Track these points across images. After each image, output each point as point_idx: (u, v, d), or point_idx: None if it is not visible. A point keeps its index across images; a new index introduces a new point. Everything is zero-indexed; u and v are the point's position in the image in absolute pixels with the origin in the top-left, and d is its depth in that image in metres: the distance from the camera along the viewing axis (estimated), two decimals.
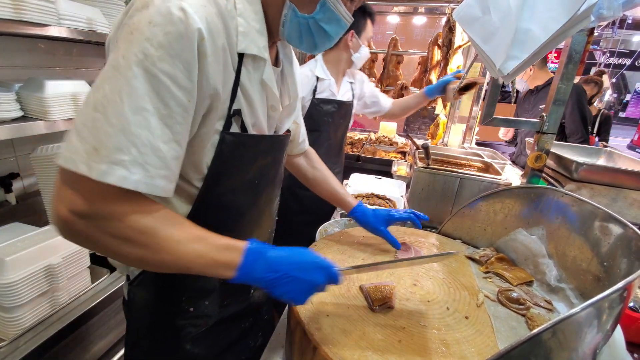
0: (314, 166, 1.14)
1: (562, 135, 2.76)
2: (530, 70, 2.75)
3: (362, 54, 1.86)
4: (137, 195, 0.55)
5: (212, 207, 0.73)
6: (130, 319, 0.84)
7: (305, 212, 1.98)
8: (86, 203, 0.53)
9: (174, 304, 0.78)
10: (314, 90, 1.82)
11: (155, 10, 0.53)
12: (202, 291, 0.80)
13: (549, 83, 2.77)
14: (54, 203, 0.54)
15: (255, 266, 0.62)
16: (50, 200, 0.54)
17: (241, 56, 0.66)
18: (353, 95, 2.00)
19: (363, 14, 1.78)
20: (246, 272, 0.61)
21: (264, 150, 0.77)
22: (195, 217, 0.71)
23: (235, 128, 0.69)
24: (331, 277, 0.66)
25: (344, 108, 1.92)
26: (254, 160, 0.75)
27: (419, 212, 1.09)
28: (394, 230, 1.19)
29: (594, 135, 3.73)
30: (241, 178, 0.75)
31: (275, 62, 0.82)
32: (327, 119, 1.87)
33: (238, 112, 0.68)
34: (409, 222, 1.10)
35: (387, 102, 2.13)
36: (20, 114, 1.31)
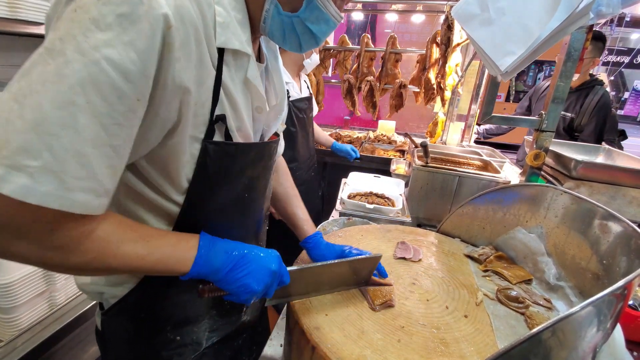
0: (279, 181, 1.00)
1: (570, 137, 2.63)
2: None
3: (312, 60, 1.96)
4: (47, 213, 0.43)
5: (195, 226, 0.63)
6: (105, 353, 0.75)
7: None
8: (2, 214, 0.41)
9: (158, 334, 0.70)
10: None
11: None
12: (189, 317, 0.72)
13: (580, 88, 2.61)
14: None
15: (213, 254, 0.58)
16: None
17: (221, 52, 0.56)
18: (309, 88, 2.12)
19: None
20: (204, 261, 0.57)
21: (254, 160, 0.68)
22: None
23: (218, 136, 0.60)
24: (281, 269, 0.65)
25: (310, 102, 2.05)
26: (242, 172, 0.66)
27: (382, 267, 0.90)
28: (393, 228, 1.19)
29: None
30: (228, 192, 0.66)
31: (258, 58, 0.73)
32: (302, 116, 1.96)
33: (222, 118, 0.58)
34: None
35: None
36: None
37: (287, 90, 1.79)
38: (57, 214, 0.44)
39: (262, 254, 0.64)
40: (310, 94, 2.11)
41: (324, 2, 0.59)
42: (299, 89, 1.97)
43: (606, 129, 3.36)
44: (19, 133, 0.40)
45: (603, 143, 2.47)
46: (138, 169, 0.58)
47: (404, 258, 1.00)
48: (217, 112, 0.58)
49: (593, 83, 2.60)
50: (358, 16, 3.98)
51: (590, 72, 2.72)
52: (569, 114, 2.61)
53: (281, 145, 0.94)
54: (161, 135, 0.54)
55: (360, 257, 0.80)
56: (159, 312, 0.70)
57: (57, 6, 0.47)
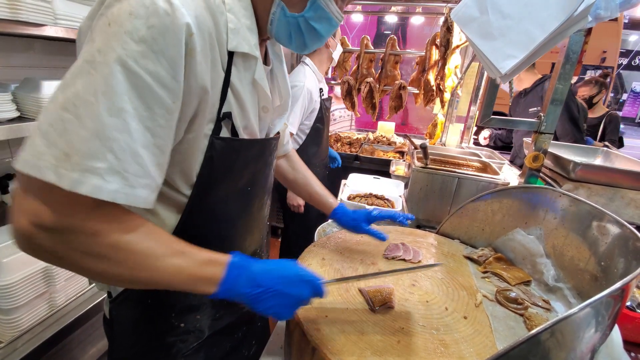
0: (295, 167, 1.11)
1: (553, 138, 2.76)
2: None
3: (338, 50, 2.17)
4: (113, 207, 0.50)
5: (202, 217, 0.69)
6: (113, 339, 0.78)
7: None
8: (53, 215, 0.46)
9: (163, 321, 0.73)
10: (320, 94, 2.11)
11: (137, 1, 0.48)
12: (194, 305, 0.75)
13: (535, 85, 2.76)
14: (13, 214, 0.47)
15: (239, 281, 0.58)
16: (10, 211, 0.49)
17: (231, 55, 0.61)
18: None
19: None
20: (229, 287, 0.57)
21: (256, 155, 0.73)
22: (185, 228, 0.68)
23: (225, 132, 0.65)
24: (316, 290, 0.64)
25: (330, 102, 2.34)
26: (245, 166, 0.71)
27: (405, 213, 1.07)
28: (392, 230, 1.19)
29: (599, 139, 3.44)
30: (233, 185, 0.70)
31: (265, 61, 0.78)
32: (327, 115, 2.25)
33: (228, 115, 0.64)
34: (395, 222, 1.05)
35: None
36: (16, 114, 1.30)
37: (321, 89, 2.14)
38: (119, 213, 0.51)
39: (295, 284, 0.61)
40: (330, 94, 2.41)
41: (327, 2, 0.64)
42: (325, 88, 2.21)
43: (608, 130, 3.36)
44: (85, 141, 0.45)
45: (604, 143, 2.48)
46: None
47: (394, 258, 1.00)
48: (225, 109, 0.63)
49: (544, 79, 2.71)
50: (391, 19, 4.00)
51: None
52: (536, 109, 2.69)
53: (288, 139, 1.06)
54: (183, 132, 0.59)
55: (422, 266, 0.85)
56: (165, 298, 0.72)
57: (90, 20, 0.54)
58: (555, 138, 2.71)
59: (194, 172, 0.64)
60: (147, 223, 0.55)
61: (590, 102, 3.44)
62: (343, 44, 3.36)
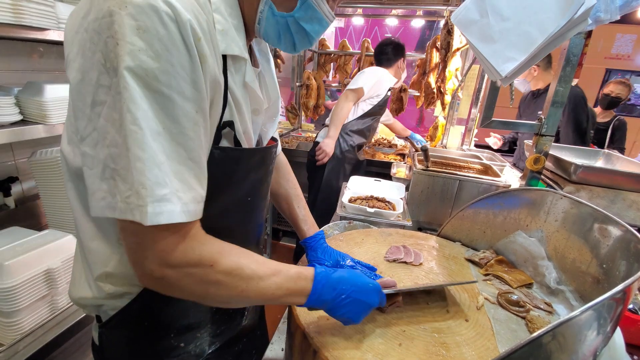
0: (279, 181, 1.01)
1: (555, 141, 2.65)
2: (535, 70, 2.62)
3: (404, 75, 2.63)
4: (185, 227, 0.52)
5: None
6: None
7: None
8: (175, 251, 0.51)
9: (162, 341, 0.70)
10: (388, 90, 2.48)
11: (137, 10, 0.44)
12: (193, 323, 0.73)
13: (548, 87, 2.69)
14: (137, 265, 0.53)
15: (324, 290, 0.64)
16: (133, 260, 0.54)
17: (224, 58, 0.58)
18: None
19: (402, 49, 2.48)
20: (316, 296, 0.64)
21: (257, 164, 0.71)
22: None
23: (225, 142, 0.63)
24: (382, 298, 0.70)
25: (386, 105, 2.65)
26: (246, 176, 0.69)
27: (380, 275, 0.90)
28: (394, 232, 1.19)
29: (607, 146, 3.21)
30: (232, 196, 0.69)
31: (253, 62, 0.75)
32: (382, 110, 2.56)
33: (230, 124, 0.61)
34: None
35: None
36: (19, 117, 1.31)
37: (391, 88, 2.48)
38: (219, 242, 0.58)
39: (367, 292, 0.67)
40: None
41: (318, 2, 0.61)
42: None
43: (616, 137, 3.12)
44: (145, 172, 0.46)
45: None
46: None
47: (396, 260, 1.00)
48: (226, 117, 0.61)
49: None
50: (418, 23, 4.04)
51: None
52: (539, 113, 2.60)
53: (278, 146, 0.95)
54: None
55: (456, 283, 0.87)
56: (163, 319, 0.69)
57: (75, 36, 0.51)
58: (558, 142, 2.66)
59: None
60: (244, 249, 0.61)
61: (617, 102, 3.20)
62: (344, 47, 3.37)
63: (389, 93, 2.54)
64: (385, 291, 0.72)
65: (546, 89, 2.65)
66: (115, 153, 0.47)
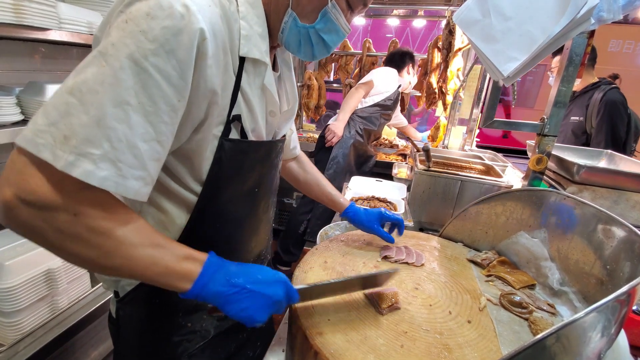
0: (305, 169, 1.13)
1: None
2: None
3: (413, 81, 2.79)
4: (104, 195, 0.51)
5: (210, 217, 0.70)
6: (118, 339, 0.79)
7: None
8: (38, 191, 0.47)
9: (170, 320, 0.75)
10: (398, 88, 2.67)
11: (155, 3, 0.50)
12: (200, 304, 0.76)
13: (586, 90, 2.42)
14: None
15: (215, 278, 0.58)
16: None
17: (242, 60, 0.64)
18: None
19: (410, 57, 2.67)
20: (203, 284, 0.57)
21: (263, 157, 0.75)
22: (193, 227, 0.70)
23: (234, 134, 0.67)
24: (290, 292, 0.64)
25: (397, 102, 2.79)
26: (253, 168, 0.73)
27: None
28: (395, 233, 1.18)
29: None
30: (240, 186, 0.72)
31: (273, 67, 0.81)
32: (392, 106, 2.69)
33: (238, 118, 0.66)
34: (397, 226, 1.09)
35: None
36: (20, 117, 1.31)
37: (399, 85, 2.66)
38: (106, 199, 0.51)
39: (268, 284, 0.62)
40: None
41: (336, 15, 0.68)
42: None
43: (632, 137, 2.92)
44: (84, 126, 0.47)
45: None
46: (164, 162, 0.62)
47: (397, 261, 0.99)
48: (234, 111, 0.65)
49: (598, 83, 2.38)
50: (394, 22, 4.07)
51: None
52: (576, 118, 2.43)
53: (295, 145, 1.09)
54: (190, 132, 0.61)
55: (373, 274, 0.79)
56: (172, 298, 0.73)
57: (110, 16, 0.56)
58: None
59: (203, 171, 0.66)
60: (133, 215, 0.55)
61: None
62: (345, 47, 3.37)
63: (399, 90, 2.69)
64: (297, 287, 0.66)
65: (582, 91, 2.44)
66: (61, 95, 0.48)
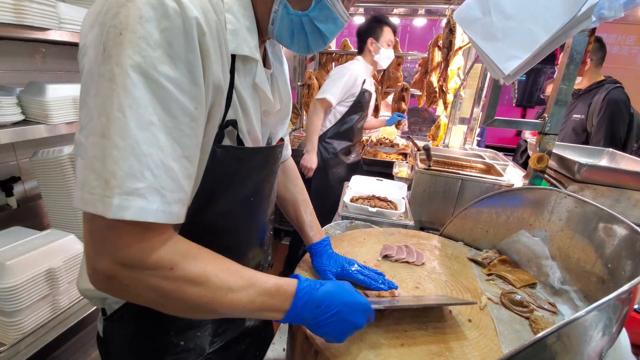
0: (286, 185, 1.00)
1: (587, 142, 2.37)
2: (586, 65, 2.35)
3: (382, 54, 2.33)
4: (156, 228, 0.48)
5: (202, 231, 0.64)
6: (108, 359, 0.75)
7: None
8: (131, 249, 0.46)
9: (162, 339, 0.70)
10: (362, 83, 2.35)
11: (144, 2, 0.45)
12: (193, 322, 0.72)
13: (591, 88, 2.40)
14: (88, 259, 0.47)
15: (305, 308, 0.58)
16: (86, 253, 0.49)
17: (233, 57, 0.58)
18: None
19: (379, 23, 2.31)
20: (296, 314, 0.58)
21: (260, 164, 0.70)
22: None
23: (227, 141, 0.61)
24: (370, 316, 0.65)
25: (370, 97, 2.49)
26: (249, 176, 0.68)
27: (389, 280, 0.87)
28: (396, 231, 1.18)
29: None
30: (235, 196, 0.67)
31: (265, 63, 0.74)
32: (364, 106, 2.43)
33: (233, 123, 0.60)
34: (370, 288, 0.85)
35: None
36: (21, 117, 1.31)
37: (364, 80, 2.34)
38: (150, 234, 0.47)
39: (353, 311, 0.62)
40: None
41: (333, 1, 0.60)
42: (370, 85, 2.45)
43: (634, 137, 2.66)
44: (119, 161, 0.43)
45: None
46: None
47: (398, 260, 0.99)
48: (230, 116, 0.60)
49: (604, 82, 2.37)
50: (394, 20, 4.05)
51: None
52: (578, 116, 2.43)
53: (287, 144, 0.96)
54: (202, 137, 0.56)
55: (452, 302, 0.80)
56: (163, 316, 0.67)
57: (90, 30, 0.49)
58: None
59: (197, 182, 0.61)
60: (196, 245, 0.54)
61: None
62: (345, 46, 3.37)
63: (371, 84, 2.43)
64: (374, 307, 0.66)
65: (587, 89, 2.42)
66: (95, 142, 0.44)
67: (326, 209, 1.96)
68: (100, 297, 0.68)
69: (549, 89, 3.24)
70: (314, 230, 0.97)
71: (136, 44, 0.44)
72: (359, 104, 2.37)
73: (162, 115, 0.46)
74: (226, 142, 0.61)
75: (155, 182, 0.45)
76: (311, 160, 2.29)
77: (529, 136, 2.81)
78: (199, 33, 0.48)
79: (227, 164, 0.62)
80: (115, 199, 0.43)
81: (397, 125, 3.12)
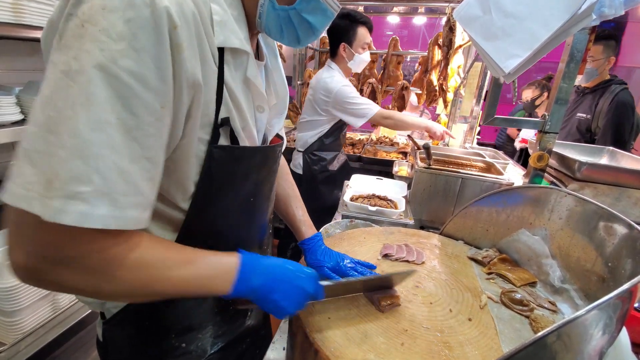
0: (278, 182, 0.97)
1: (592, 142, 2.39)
2: (608, 63, 2.33)
3: (356, 60, 2.08)
4: (108, 233, 0.45)
5: (201, 233, 0.64)
6: None
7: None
8: (54, 247, 0.42)
9: (163, 341, 0.69)
10: None
11: None
12: (194, 324, 0.72)
13: (596, 88, 2.40)
14: (11, 249, 0.43)
15: (253, 274, 0.58)
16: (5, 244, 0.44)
17: (221, 51, 0.55)
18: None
19: (351, 23, 1.98)
20: (245, 282, 0.57)
21: (259, 163, 0.68)
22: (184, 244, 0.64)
23: (223, 140, 0.59)
24: (316, 288, 0.65)
25: None
26: (247, 176, 0.66)
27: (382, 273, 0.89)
28: (396, 230, 1.18)
29: None
30: (234, 197, 0.65)
31: (257, 55, 0.72)
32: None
33: (226, 122, 0.58)
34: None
35: None
36: (20, 117, 1.31)
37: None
38: (101, 236, 0.44)
39: (300, 277, 0.63)
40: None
41: None
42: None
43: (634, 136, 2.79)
44: (64, 162, 0.40)
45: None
46: None
47: (398, 259, 0.99)
48: (222, 114, 0.57)
49: (610, 82, 2.38)
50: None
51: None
52: (583, 115, 2.44)
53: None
54: (179, 136, 0.53)
55: (395, 273, 0.80)
56: (164, 319, 0.69)
57: (53, 26, 0.47)
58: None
59: (190, 180, 0.59)
60: (145, 234, 0.52)
61: (533, 105, 3.25)
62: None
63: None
64: (323, 283, 0.67)
65: (593, 88, 2.43)
66: (38, 134, 0.41)
67: (318, 215, 1.88)
68: (98, 301, 0.67)
69: (526, 94, 3.29)
70: (306, 226, 0.97)
71: (96, 36, 0.41)
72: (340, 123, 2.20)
73: (121, 113, 0.42)
74: (222, 141, 0.59)
75: (104, 185, 0.41)
76: (434, 126, 2.10)
77: (518, 144, 2.86)
78: (170, 25, 0.44)
79: (225, 164, 0.60)
80: (56, 202, 0.40)
81: None
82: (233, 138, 0.61)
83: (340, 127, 2.22)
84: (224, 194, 0.63)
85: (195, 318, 0.72)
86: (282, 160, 1.01)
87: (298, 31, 0.62)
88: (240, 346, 0.84)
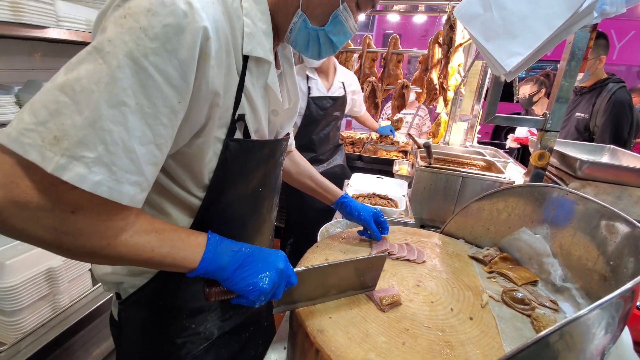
0: (298, 163, 1.11)
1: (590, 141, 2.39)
2: (600, 62, 2.34)
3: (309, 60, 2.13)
4: (98, 199, 0.47)
5: (215, 218, 0.70)
6: (121, 341, 0.79)
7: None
8: (28, 193, 0.44)
9: (174, 322, 0.75)
10: (308, 91, 2.19)
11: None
12: (204, 306, 0.77)
13: (594, 87, 2.41)
14: None
15: (221, 251, 0.60)
16: None
17: (245, 58, 0.62)
18: (345, 92, 2.36)
19: None
20: (211, 259, 0.59)
21: (267, 156, 0.74)
22: (196, 229, 0.68)
23: (238, 134, 0.65)
24: (288, 270, 0.66)
25: (336, 101, 2.30)
26: (257, 167, 0.72)
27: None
28: (396, 230, 1.18)
29: None
30: (244, 187, 0.71)
31: (275, 64, 0.78)
32: (322, 113, 2.24)
33: (242, 118, 0.64)
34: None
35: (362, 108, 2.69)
36: None
37: (310, 87, 2.22)
38: (102, 203, 0.48)
39: (268, 253, 0.66)
40: (343, 94, 2.36)
41: (346, 17, 0.68)
42: (326, 87, 2.28)
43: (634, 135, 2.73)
44: (78, 128, 0.44)
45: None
46: (164, 165, 0.62)
47: (399, 258, 0.99)
48: (239, 111, 0.64)
49: (607, 81, 2.39)
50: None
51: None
52: (581, 115, 2.44)
53: (291, 141, 1.07)
54: (189, 136, 0.59)
55: (365, 257, 0.79)
56: (177, 300, 0.73)
57: (105, 11, 0.52)
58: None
59: (205, 175, 0.64)
60: (127, 208, 0.52)
61: (531, 101, 3.24)
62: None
63: (325, 85, 2.25)
64: (296, 269, 0.69)
65: (591, 87, 2.43)
66: (64, 101, 0.45)
67: (306, 228, 1.93)
68: (116, 282, 0.72)
69: (524, 91, 3.28)
70: (336, 188, 1.13)
71: (135, 32, 0.46)
72: (310, 115, 2.20)
73: (141, 99, 0.47)
74: (237, 135, 0.65)
75: (107, 156, 0.46)
76: None
77: (511, 143, 2.90)
78: (203, 37, 0.50)
79: (238, 156, 0.66)
80: (62, 159, 0.43)
81: (397, 126, 3.12)
82: (246, 133, 0.67)
83: (305, 127, 2.24)
84: (236, 183, 0.69)
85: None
86: (299, 155, 1.14)
87: (321, 47, 0.72)
88: (245, 333, 0.88)
